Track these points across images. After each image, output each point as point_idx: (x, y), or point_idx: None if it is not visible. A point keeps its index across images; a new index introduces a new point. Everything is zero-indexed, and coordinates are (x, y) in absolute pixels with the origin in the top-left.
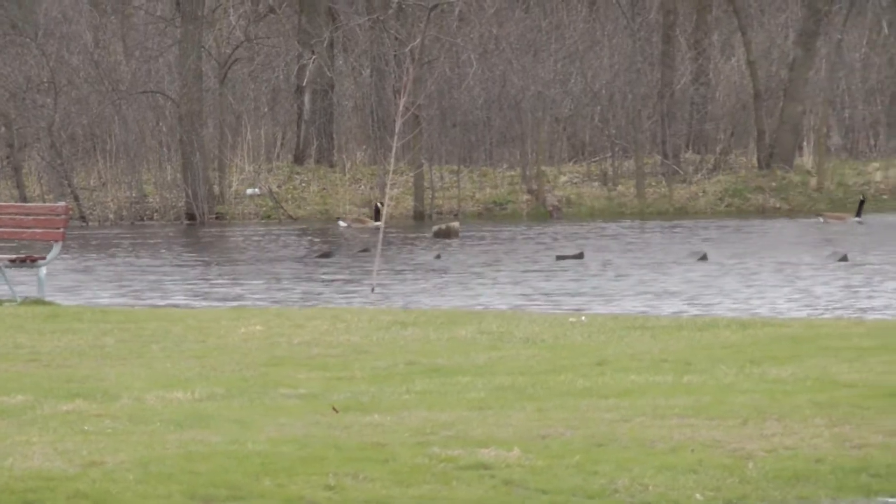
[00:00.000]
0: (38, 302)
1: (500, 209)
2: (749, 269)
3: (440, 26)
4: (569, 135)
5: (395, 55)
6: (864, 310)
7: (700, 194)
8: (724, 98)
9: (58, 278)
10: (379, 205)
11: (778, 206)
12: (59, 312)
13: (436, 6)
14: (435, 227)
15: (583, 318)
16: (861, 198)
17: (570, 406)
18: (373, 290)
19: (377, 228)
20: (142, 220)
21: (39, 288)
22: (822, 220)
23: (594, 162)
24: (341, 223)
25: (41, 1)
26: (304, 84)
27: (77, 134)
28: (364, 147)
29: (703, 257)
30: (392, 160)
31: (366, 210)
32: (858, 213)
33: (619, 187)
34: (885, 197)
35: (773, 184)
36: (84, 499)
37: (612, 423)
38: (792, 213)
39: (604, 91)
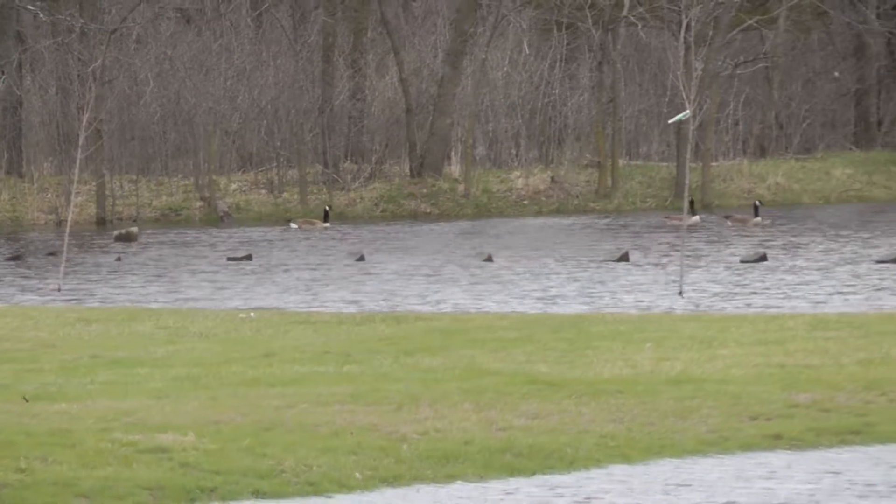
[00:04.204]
0: None
1: (176, 215)
2: (402, 267)
3: (120, 48)
4: (238, 146)
5: (78, 75)
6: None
7: (358, 200)
8: (379, 112)
9: None
10: (327, 208)
11: (428, 210)
12: None
13: (115, 30)
14: (116, 232)
15: (252, 314)
16: (756, 202)
17: (240, 394)
18: (59, 289)
19: (325, 229)
20: None
21: None
22: (729, 223)
23: (261, 171)
24: (292, 225)
25: None
26: None
27: None
28: (51, 159)
29: (361, 258)
30: (76, 171)
31: (52, 217)
32: (756, 215)
33: (285, 194)
34: (525, 202)
35: (424, 190)
36: None
37: (279, 410)
38: (441, 217)
39: (269, 106)
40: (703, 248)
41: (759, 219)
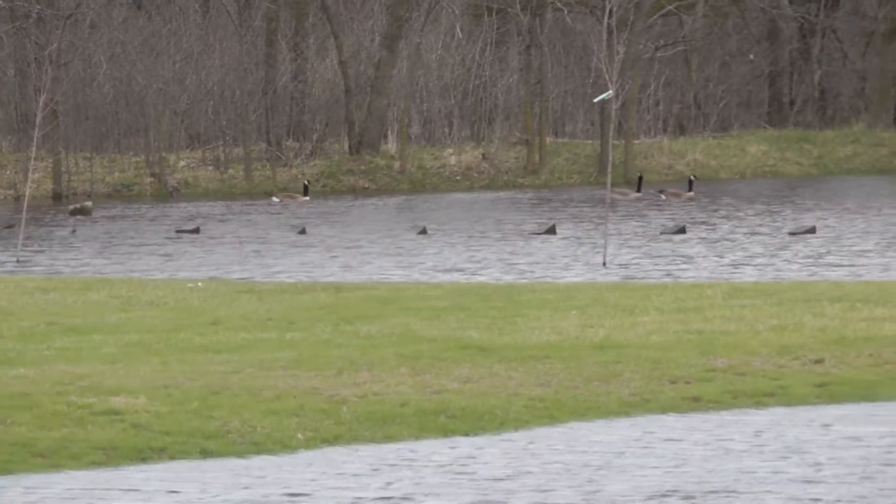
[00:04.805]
0: None
1: (128, 190)
2: (341, 239)
3: (75, 33)
4: (186, 125)
5: (35, 58)
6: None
7: (300, 176)
8: (319, 93)
9: None
10: (307, 182)
11: (366, 186)
12: None
13: (70, 16)
14: (71, 206)
15: (199, 283)
16: (691, 177)
17: (189, 360)
18: (18, 260)
19: (306, 202)
20: None
21: None
22: (663, 196)
23: (208, 149)
24: (274, 199)
25: None
26: None
27: None
28: (9, 137)
29: (303, 231)
30: (34, 148)
31: (11, 192)
32: (690, 189)
33: (230, 171)
34: (458, 178)
35: (363, 167)
36: None
37: (225, 375)
38: (379, 193)
39: (216, 87)
40: (628, 221)
41: (692, 193)
